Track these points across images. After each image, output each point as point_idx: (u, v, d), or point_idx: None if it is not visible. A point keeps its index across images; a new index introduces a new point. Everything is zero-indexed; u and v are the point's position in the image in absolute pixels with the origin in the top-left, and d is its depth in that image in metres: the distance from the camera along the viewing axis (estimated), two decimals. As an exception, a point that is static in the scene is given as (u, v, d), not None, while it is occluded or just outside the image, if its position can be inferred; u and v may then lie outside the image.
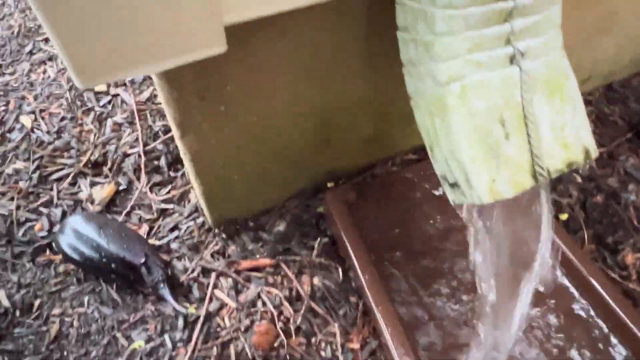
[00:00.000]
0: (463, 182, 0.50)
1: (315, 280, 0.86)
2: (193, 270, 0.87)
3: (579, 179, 0.96)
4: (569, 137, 0.50)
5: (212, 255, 0.89)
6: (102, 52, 0.44)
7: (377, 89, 0.77)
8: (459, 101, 0.47)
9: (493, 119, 0.48)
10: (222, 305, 0.83)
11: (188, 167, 0.75)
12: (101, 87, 1.14)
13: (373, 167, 0.97)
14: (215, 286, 0.86)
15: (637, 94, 1.07)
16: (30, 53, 1.17)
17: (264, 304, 0.83)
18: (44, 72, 1.15)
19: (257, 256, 0.89)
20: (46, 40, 1.20)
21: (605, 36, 0.95)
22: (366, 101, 0.79)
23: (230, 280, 0.86)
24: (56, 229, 0.92)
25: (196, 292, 0.85)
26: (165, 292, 0.81)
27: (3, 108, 1.08)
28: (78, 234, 0.82)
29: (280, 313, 0.82)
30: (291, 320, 0.81)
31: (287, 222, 0.93)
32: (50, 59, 1.17)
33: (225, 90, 0.63)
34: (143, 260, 0.80)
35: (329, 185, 0.96)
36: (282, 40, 0.60)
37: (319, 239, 0.91)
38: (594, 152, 0.52)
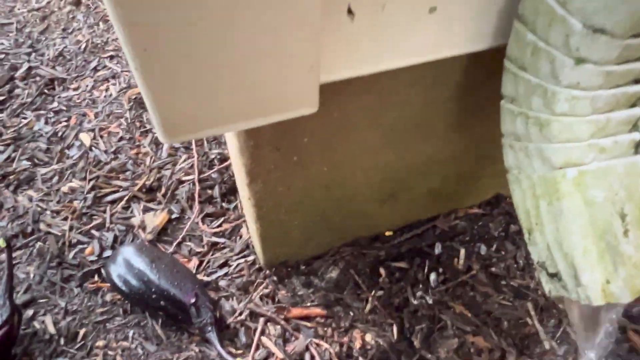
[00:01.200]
0: (568, 276, 0.44)
1: (368, 337, 0.81)
2: (241, 313, 0.84)
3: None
4: (697, 239, 0.44)
5: (261, 298, 0.86)
6: (194, 109, 0.41)
7: (454, 147, 0.73)
8: (575, 188, 0.42)
9: (612, 212, 0.42)
10: (269, 355, 0.79)
11: (249, 210, 0.72)
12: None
13: (435, 219, 0.92)
14: (262, 332, 0.82)
15: None
16: (95, 69, 1.18)
17: (312, 357, 0.79)
18: (107, 89, 1.15)
19: (308, 303, 0.85)
20: (111, 57, 1.21)
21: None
22: (440, 159, 0.75)
23: (278, 327, 0.82)
24: (106, 253, 0.91)
25: (243, 337, 0.81)
26: (213, 336, 0.78)
27: (64, 124, 1.09)
28: (129, 266, 0.80)
29: (330, 371, 0.77)
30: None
31: (341, 269, 0.89)
32: (113, 76, 1.17)
33: (301, 142, 0.60)
34: (193, 300, 0.77)
35: (387, 233, 0.92)
36: (367, 96, 0.56)
37: (373, 291, 0.86)
38: None
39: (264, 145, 0.58)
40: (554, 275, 0.46)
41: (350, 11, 0.40)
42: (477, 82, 0.60)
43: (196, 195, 0.99)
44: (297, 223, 0.78)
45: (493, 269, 0.88)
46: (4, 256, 0.89)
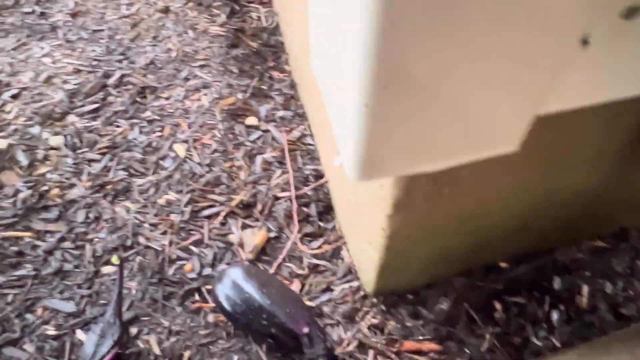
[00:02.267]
0: None
1: (487, 379, 0.76)
2: (349, 344, 0.80)
3: None
4: None
5: (369, 328, 0.81)
6: (404, 147, 0.37)
7: (603, 180, 0.66)
8: None
9: None
10: (383, 392, 0.75)
11: (381, 241, 0.68)
12: (252, 121, 1.11)
13: (554, 251, 0.86)
14: (375, 367, 0.77)
15: None
16: (186, 79, 1.17)
17: (429, 397, 0.74)
18: (199, 99, 1.13)
19: (419, 337, 0.80)
20: (201, 67, 1.19)
21: None
22: (584, 190, 0.69)
23: (390, 362, 0.78)
24: (206, 271, 0.88)
25: (353, 371, 0.77)
26: (326, 369, 0.74)
27: (159, 134, 1.07)
28: (238, 289, 0.77)
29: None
30: None
31: (452, 300, 0.83)
32: (204, 86, 1.15)
33: (459, 175, 0.55)
34: (307, 330, 0.74)
35: (502, 264, 0.86)
36: (551, 130, 0.51)
37: (489, 327, 0.80)
38: None
39: (422, 177, 0.54)
40: None
41: (585, 41, 0.35)
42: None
43: (294, 213, 0.95)
44: (420, 255, 0.74)
45: (622, 310, 0.81)
46: (108, 270, 0.87)
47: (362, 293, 0.85)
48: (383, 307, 0.83)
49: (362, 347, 0.79)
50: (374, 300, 0.84)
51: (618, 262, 0.86)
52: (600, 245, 0.87)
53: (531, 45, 0.32)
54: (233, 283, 0.78)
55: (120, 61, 1.20)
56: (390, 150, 0.36)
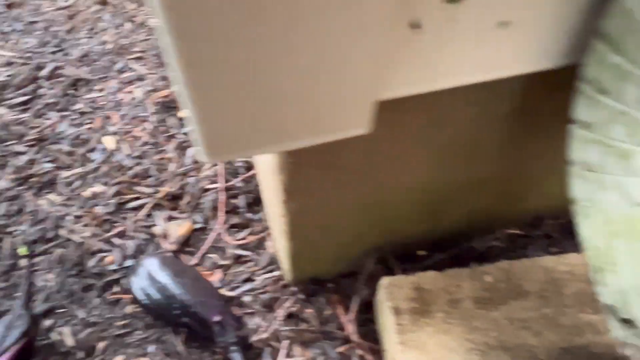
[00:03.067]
0: (645, 324, 0.40)
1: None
2: (265, 332, 0.80)
3: None
4: None
5: (286, 317, 0.82)
6: (242, 127, 0.37)
7: (503, 167, 0.68)
8: (659, 229, 0.38)
9: (701, 257, 0.38)
10: (295, 378, 0.76)
11: (281, 228, 0.69)
12: (185, 113, 1.10)
13: (471, 239, 0.88)
14: (288, 355, 0.78)
15: None
16: (120, 71, 1.16)
17: (340, 382, 0.75)
18: (131, 92, 1.13)
19: (338, 325, 0.81)
20: (137, 59, 1.18)
21: None
22: (487, 178, 0.71)
23: (305, 348, 0.78)
24: (127, 263, 0.88)
25: (267, 358, 0.78)
26: (237, 356, 0.74)
27: (88, 126, 1.06)
28: (152, 279, 0.77)
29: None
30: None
31: (369, 288, 0.84)
32: (138, 79, 1.15)
33: (345, 161, 0.56)
34: (218, 318, 0.74)
35: (420, 252, 0.87)
36: (420, 115, 0.53)
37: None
38: None
39: (305, 163, 0.55)
40: (627, 322, 0.41)
41: (416, 25, 0.37)
42: (536, 101, 0.56)
43: (222, 205, 0.95)
44: (330, 240, 0.75)
45: (532, 295, 0.83)
46: (26, 263, 0.86)
47: (282, 282, 0.86)
48: (302, 296, 0.84)
49: (278, 335, 0.80)
50: (294, 289, 0.85)
51: (533, 248, 0.89)
52: (516, 232, 0.90)
53: (349, 30, 0.33)
54: (148, 274, 0.78)
55: (54, 53, 1.18)
56: (227, 131, 0.37)
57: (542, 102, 0.54)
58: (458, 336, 0.69)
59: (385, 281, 0.74)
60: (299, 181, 0.57)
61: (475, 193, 0.74)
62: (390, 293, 0.72)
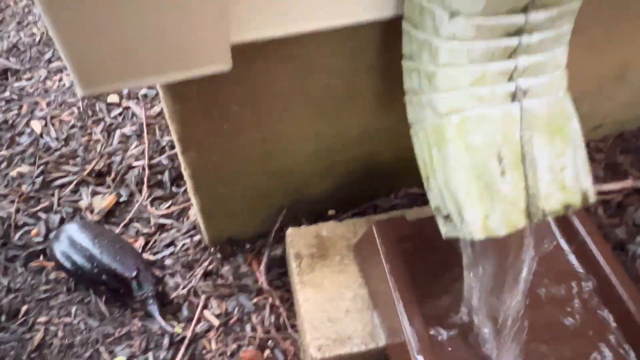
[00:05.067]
0: (456, 215, 0.48)
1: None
2: (184, 288, 0.86)
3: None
4: (567, 180, 0.49)
5: (204, 275, 0.88)
6: (106, 59, 0.44)
7: (385, 120, 0.77)
8: (457, 133, 0.47)
9: (490, 155, 0.47)
10: (210, 327, 0.82)
11: (188, 182, 0.75)
12: (113, 99, 1.15)
13: (375, 198, 0.96)
14: (205, 307, 0.84)
15: (648, 144, 1.06)
16: (49, 61, 1.20)
17: (253, 329, 0.82)
18: (60, 80, 1.17)
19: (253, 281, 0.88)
20: (66, 50, 1.23)
21: (619, 85, 0.95)
22: (375, 134, 0.79)
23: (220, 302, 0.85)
24: (52, 235, 0.92)
25: (185, 312, 0.83)
26: (154, 308, 0.80)
27: (16, 112, 1.10)
28: (72, 242, 0.82)
29: (268, 340, 0.80)
30: (277, 348, 0.79)
31: (284, 247, 0.92)
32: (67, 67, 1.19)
33: (230, 109, 0.63)
34: (134, 274, 0.79)
35: (330, 212, 0.95)
36: (291, 64, 0.60)
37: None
38: (592, 197, 0.51)
39: (192, 111, 0.61)
40: (447, 217, 0.50)
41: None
42: (396, 54, 0.64)
43: (145, 179, 1.01)
44: (237, 197, 0.81)
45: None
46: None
47: (202, 245, 0.92)
48: (219, 256, 0.90)
49: (196, 290, 0.86)
50: (212, 250, 0.91)
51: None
52: (416, 192, 0.99)
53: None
54: (68, 238, 0.83)
55: (-19, 45, 1.21)
56: (92, 61, 0.43)
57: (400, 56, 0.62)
58: (351, 275, 0.76)
59: (289, 231, 0.81)
60: (192, 130, 0.64)
61: (366, 147, 0.82)
62: (293, 241, 0.80)
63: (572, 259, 0.68)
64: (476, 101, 0.46)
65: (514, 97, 0.48)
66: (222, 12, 0.44)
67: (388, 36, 0.62)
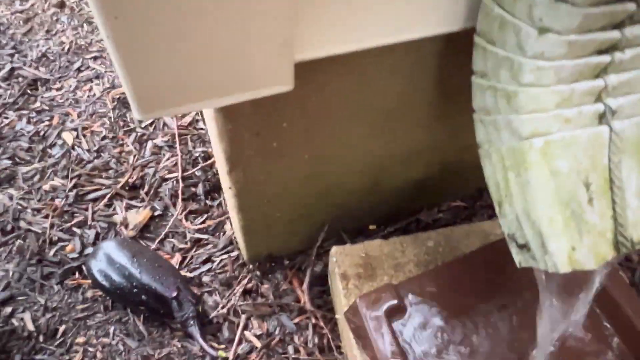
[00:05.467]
0: (536, 245, 0.45)
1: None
2: (224, 307, 0.83)
3: None
4: (660, 207, 0.45)
5: (244, 293, 0.85)
6: (167, 83, 0.41)
7: (437, 137, 0.74)
8: (541, 158, 0.43)
9: (577, 181, 0.43)
10: (252, 349, 0.79)
11: (231, 201, 0.72)
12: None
13: (418, 212, 0.93)
14: (245, 327, 0.81)
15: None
16: (79, 70, 1.18)
17: (296, 350, 0.79)
18: (90, 89, 1.15)
19: (294, 299, 0.85)
20: (95, 58, 1.21)
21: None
22: (423, 150, 0.76)
23: (261, 321, 0.82)
24: (88, 251, 0.90)
25: (226, 332, 0.81)
26: (195, 330, 0.77)
27: (47, 123, 1.08)
28: (110, 260, 0.80)
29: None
30: (324, 372, 0.76)
31: (325, 263, 0.89)
32: (97, 77, 1.17)
33: (281, 127, 0.60)
34: (175, 294, 0.77)
35: (371, 227, 0.92)
36: (347, 81, 0.57)
37: (356, 283, 0.86)
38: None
39: (243, 130, 0.59)
40: (524, 246, 0.47)
41: (320, -13, 0.41)
42: (456, 68, 0.61)
43: (179, 193, 0.99)
44: (279, 215, 0.78)
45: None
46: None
47: (240, 262, 0.89)
48: (258, 273, 0.87)
49: (236, 309, 0.83)
50: (251, 267, 0.88)
51: (476, 219, 0.94)
52: (460, 205, 0.95)
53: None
54: (106, 256, 0.81)
55: (11, 55, 1.20)
56: (153, 86, 0.41)
57: (461, 70, 0.58)
58: (401, 295, 0.73)
59: (334, 250, 0.78)
60: (241, 149, 0.61)
61: (414, 164, 0.79)
62: (339, 261, 0.77)
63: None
64: (562, 123, 0.43)
65: (601, 118, 0.44)
66: (289, 32, 0.41)
67: (448, 51, 0.59)
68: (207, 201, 0.99)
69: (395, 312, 0.63)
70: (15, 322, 0.81)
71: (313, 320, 0.81)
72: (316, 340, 0.80)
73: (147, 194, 0.99)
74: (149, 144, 1.07)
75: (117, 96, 1.14)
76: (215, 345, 0.79)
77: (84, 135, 1.07)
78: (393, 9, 0.46)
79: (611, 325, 0.61)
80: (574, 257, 0.43)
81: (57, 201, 0.96)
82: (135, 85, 0.41)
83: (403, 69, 0.59)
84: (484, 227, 0.82)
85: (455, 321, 0.65)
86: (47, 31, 1.26)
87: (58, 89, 1.15)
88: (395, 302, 0.62)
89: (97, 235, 0.92)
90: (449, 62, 0.59)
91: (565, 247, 0.43)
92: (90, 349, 0.79)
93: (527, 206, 0.45)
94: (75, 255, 0.90)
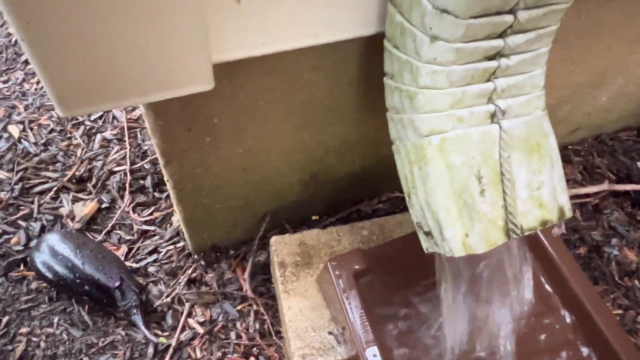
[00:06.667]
0: (436, 232, 0.49)
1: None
2: (168, 296, 0.86)
3: (564, 230, 0.96)
4: (544, 196, 0.50)
5: (188, 282, 0.88)
6: (86, 81, 0.43)
7: (367, 130, 0.77)
8: (438, 153, 0.48)
9: (470, 174, 0.48)
10: (195, 336, 0.82)
11: (171, 193, 0.75)
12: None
13: (359, 203, 0.97)
14: (189, 315, 0.84)
15: (625, 147, 1.08)
16: (26, 62, 1.17)
17: (238, 336, 0.82)
18: (38, 82, 1.15)
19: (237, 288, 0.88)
20: (44, 51, 1.20)
21: (596, 89, 0.97)
22: (356, 143, 0.79)
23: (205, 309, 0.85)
24: (33, 243, 0.91)
25: (169, 320, 0.83)
26: (138, 318, 0.80)
27: (-7, 116, 1.08)
28: (54, 252, 0.81)
29: (253, 347, 0.81)
30: (262, 355, 0.80)
31: (269, 253, 0.92)
32: (45, 70, 1.17)
33: (212, 123, 0.63)
34: (117, 283, 0.79)
35: (314, 217, 0.96)
36: (271, 78, 0.60)
37: (298, 272, 0.90)
38: (569, 212, 0.52)
39: (174, 126, 0.61)
40: (428, 234, 0.51)
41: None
42: (378, 67, 0.65)
43: (127, 185, 1.00)
44: (219, 207, 0.81)
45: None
46: None
47: (186, 252, 0.92)
48: (203, 263, 0.90)
49: (180, 298, 0.86)
50: (196, 257, 0.91)
51: (414, 209, 0.99)
52: (399, 196, 1.00)
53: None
54: (49, 248, 0.82)
55: (-45, 47, 1.18)
56: (71, 85, 0.43)
57: (381, 67, 0.62)
58: (335, 282, 0.77)
59: (273, 240, 0.82)
60: (173, 144, 0.64)
61: (348, 156, 0.83)
62: (277, 250, 0.80)
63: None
64: (456, 122, 0.47)
65: (492, 117, 0.48)
66: (203, 35, 0.44)
67: (369, 51, 0.63)
68: (155, 193, 1.01)
69: (362, 275, 0.67)
70: (-43, 314, 0.82)
71: (255, 307, 0.85)
72: (257, 326, 0.83)
73: (94, 186, 1.00)
74: (98, 137, 1.08)
75: (66, 89, 1.14)
76: (159, 332, 0.82)
77: (31, 129, 1.07)
78: (306, 14, 0.50)
79: (561, 302, 0.67)
80: (467, 243, 0.48)
81: (2, 194, 0.97)
82: (54, 85, 0.43)
83: (325, 68, 0.62)
84: (417, 217, 0.87)
85: (410, 286, 0.70)
86: (-6, 22, 1.24)
87: (4, 82, 1.14)
88: (362, 265, 0.66)
89: (42, 227, 0.93)
90: (370, 60, 0.63)
91: (459, 234, 0.48)
92: (34, 339, 0.81)
93: (428, 197, 0.49)
94: (20, 247, 0.90)
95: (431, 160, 0.48)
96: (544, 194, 0.50)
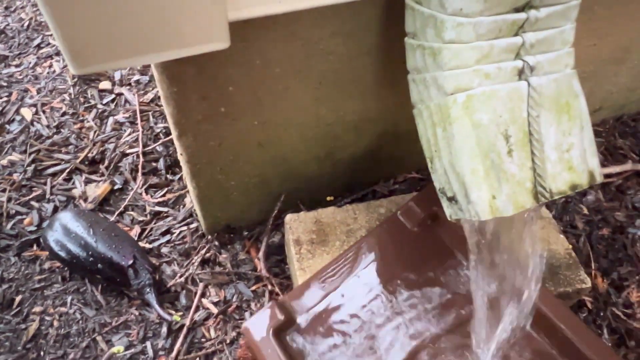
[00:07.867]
0: (461, 196, 0.47)
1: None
2: (182, 277, 0.85)
3: (585, 210, 0.93)
4: (574, 159, 0.48)
5: (202, 263, 0.87)
6: (100, 37, 0.42)
7: (386, 104, 0.75)
8: (463, 112, 0.46)
9: (497, 133, 0.46)
10: (209, 316, 0.81)
11: (184, 167, 0.73)
12: (105, 85, 1.13)
13: (375, 184, 0.95)
14: (203, 295, 0.83)
15: (647, 127, 1.05)
16: (38, 47, 1.17)
17: (252, 316, 0.81)
18: (50, 66, 1.14)
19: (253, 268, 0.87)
20: (56, 36, 1.20)
21: (618, 67, 0.94)
22: (374, 119, 0.77)
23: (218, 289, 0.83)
24: (46, 224, 0.90)
25: (183, 300, 0.82)
26: (151, 297, 0.79)
27: (5, 99, 1.07)
28: (67, 231, 0.80)
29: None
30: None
31: (283, 234, 0.90)
32: (57, 53, 1.16)
33: (227, 91, 0.61)
34: (131, 262, 0.78)
35: (329, 199, 0.94)
36: (290, 45, 0.59)
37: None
38: (599, 177, 0.50)
39: (189, 93, 0.60)
40: (452, 199, 0.49)
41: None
42: (397, 34, 0.63)
43: (139, 167, 0.99)
44: (234, 184, 0.80)
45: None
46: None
47: (199, 233, 0.91)
48: (217, 243, 0.88)
49: (194, 278, 0.85)
50: (209, 237, 0.89)
51: (430, 187, 0.97)
52: (415, 177, 0.98)
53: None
54: (62, 227, 0.81)
55: (-32, 32, 1.18)
56: (86, 41, 0.41)
57: (403, 35, 0.60)
58: (352, 260, 0.75)
59: (288, 217, 0.80)
60: (188, 114, 0.62)
61: (366, 133, 0.81)
62: (292, 228, 0.79)
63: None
64: (483, 78, 0.45)
65: (520, 74, 0.46)
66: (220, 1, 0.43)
67: (389, 16, 0.61)
68: (168, 175, 1.00)
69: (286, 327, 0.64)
70: (-30, 293, 0.81)
71: (269, 287, 0.83)
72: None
73: (107, 168, 0.99)
74: (110, 120, 1.07)
75: (78, 72, 1.13)
76: (173, 312, 0.81)
77: (44, 112, 1.06)
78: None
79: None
80: (494, 205, 0.46)
81: (14, 176, 0.96)
82: (68, 41, 0.42)
83: (345, 35, 0.61)
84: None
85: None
86: (6, 7, 1.24)
87: (17, 66, 1.14)
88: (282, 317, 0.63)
89: (55, 208, 0.92)
90: (390, 28, 0.61)
91: (486, 196, 0.46)
92: (47, 318, 0.80)
93: (452, 159, 0.47)
94: (33, 228, 0.90)
95: (456, 120, 0.46)
96: (573, 156, 0.48)
